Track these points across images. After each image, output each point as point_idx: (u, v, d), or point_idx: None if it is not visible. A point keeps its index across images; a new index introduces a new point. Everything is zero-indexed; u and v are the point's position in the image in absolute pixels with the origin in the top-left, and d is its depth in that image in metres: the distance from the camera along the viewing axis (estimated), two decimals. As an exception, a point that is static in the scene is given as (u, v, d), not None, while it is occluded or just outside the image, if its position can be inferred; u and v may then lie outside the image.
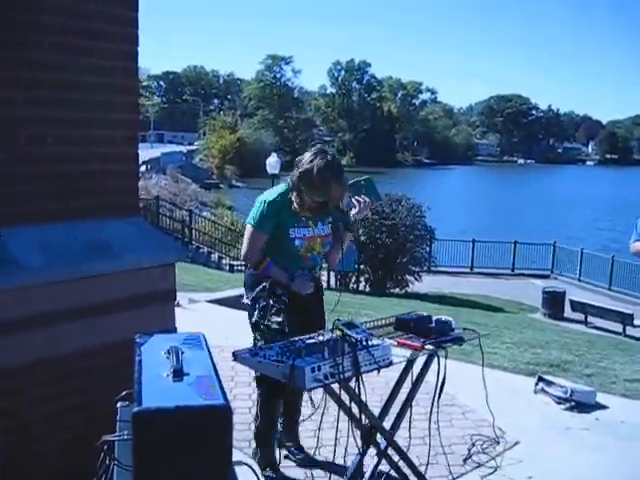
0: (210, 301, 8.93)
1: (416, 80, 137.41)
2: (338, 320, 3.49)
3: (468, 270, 25.65)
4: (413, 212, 20.87)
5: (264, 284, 3.73)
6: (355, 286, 21.36)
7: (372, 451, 3.56)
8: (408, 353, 3.36)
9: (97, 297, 3.19)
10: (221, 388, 2.00)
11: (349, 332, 3.28)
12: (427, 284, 21.53)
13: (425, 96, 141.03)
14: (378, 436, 3.49)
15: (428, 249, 22.94)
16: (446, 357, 3.39)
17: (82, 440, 2.77)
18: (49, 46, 3.03)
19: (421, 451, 3.91)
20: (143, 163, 42.99)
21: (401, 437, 3.75)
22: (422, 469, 3.66)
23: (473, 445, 4.46)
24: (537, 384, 5.65)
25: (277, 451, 4.00)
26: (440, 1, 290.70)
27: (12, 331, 2.93)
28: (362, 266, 21.21)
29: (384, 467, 3.64)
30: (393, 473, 3.62)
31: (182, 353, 2.25)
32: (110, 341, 3.20)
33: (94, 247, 3.19)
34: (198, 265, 21.85)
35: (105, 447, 2.20)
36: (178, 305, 9.33)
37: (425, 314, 3.73)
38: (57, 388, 3.09)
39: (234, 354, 3.02)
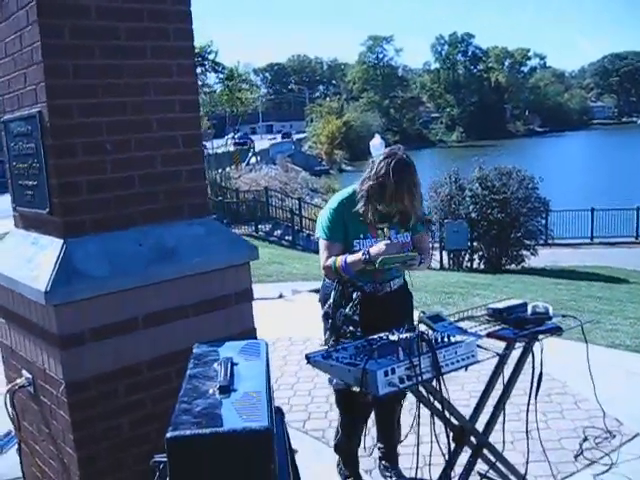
0: (312, 291, 8.79)
1: (523, 47, 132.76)
2: (423, 313, 3.26)
3: (588, 241, 24.45)
4: (525, 184, 20.06)
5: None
6: (469, 264, 20.82)
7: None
8: (500, 347, 3.08)
9: (167, 303, 3.10)
10: (269, 406, 1.83)
11: (434, 327, 3.05)
12: (544, 258, 20.65)
13: (534, 62, 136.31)
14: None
15: (543, 221, 21.96)
16: (542, 350, 3.09)
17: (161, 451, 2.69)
18: (99, 49, 2.95)
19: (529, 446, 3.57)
20: (253, 155, 43.83)
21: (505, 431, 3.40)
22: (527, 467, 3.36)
23: (585, 439, 4.11)
24: (660, 366, 5.20)
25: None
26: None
27: (82, 343, 2.89)
28: (475, 243, 20.63)
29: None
30: (491, 474, 3.34)
31: (234, 365, 2.10)
32: (183, 347, 3.10)
33: (160, 253, 3.09)
34: (309, 253, 21.92)
35: (160, 466, 2.07)
36: (281, 297, 9.36)
37: (521, 302, 3.43)
38: (130, 399, 3.03)
39: (307, 357, 2.85)
